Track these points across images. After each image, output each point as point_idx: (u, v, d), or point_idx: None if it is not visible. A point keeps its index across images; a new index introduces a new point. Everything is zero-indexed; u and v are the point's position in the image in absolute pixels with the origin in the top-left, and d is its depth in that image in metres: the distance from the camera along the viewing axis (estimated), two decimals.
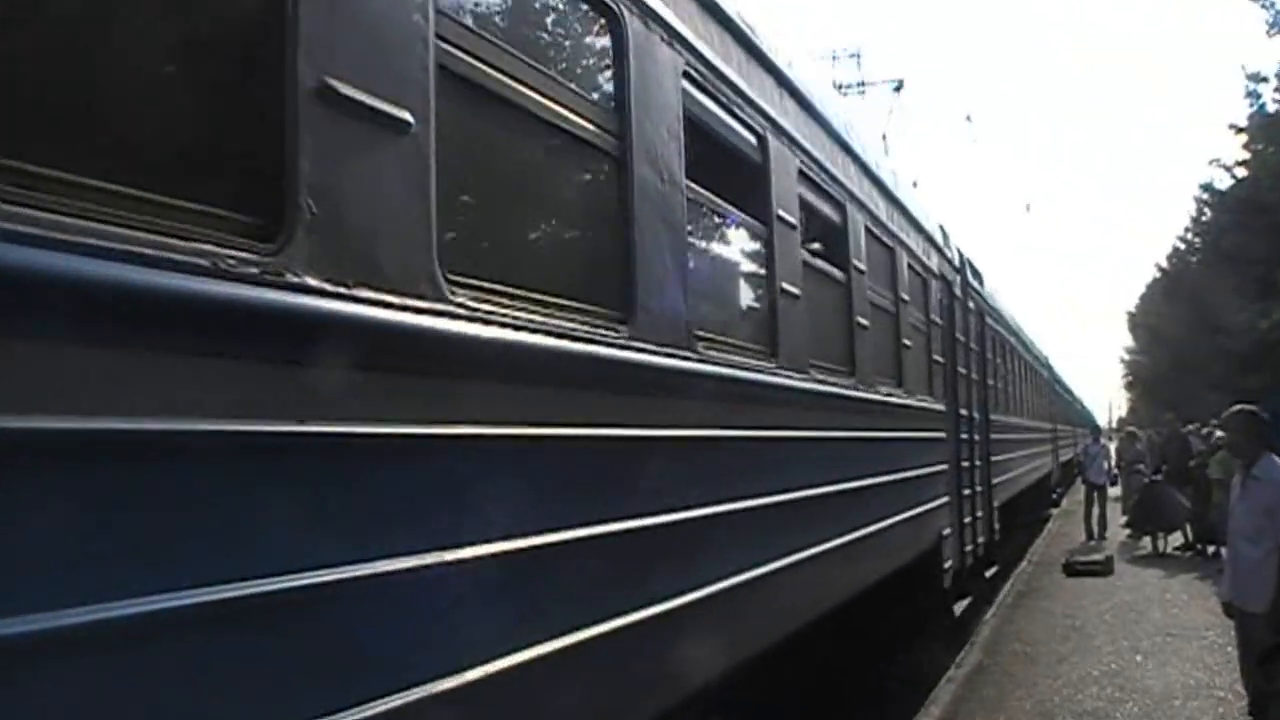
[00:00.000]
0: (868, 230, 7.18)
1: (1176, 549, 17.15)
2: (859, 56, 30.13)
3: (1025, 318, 23.94)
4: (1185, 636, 10.09)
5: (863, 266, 6.88)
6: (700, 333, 4.14)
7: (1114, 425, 63.74)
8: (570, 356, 3.13)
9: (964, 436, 11.03)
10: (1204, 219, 53.61)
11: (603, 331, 3.38)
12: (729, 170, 4.81)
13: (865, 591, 6.42)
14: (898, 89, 29.49)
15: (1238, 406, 6.57)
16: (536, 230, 3.70)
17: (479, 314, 2.70)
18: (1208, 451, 16.41)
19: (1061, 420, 34.22)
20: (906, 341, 8.36)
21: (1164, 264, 58.32)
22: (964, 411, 11.20)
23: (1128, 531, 19.41)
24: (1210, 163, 71.03)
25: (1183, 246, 56.49)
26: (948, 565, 9.55)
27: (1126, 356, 74.14)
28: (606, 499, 3.34)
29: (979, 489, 11.77)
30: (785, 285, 5.21)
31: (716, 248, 5.02)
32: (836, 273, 6.43)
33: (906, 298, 8.49)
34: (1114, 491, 22.12)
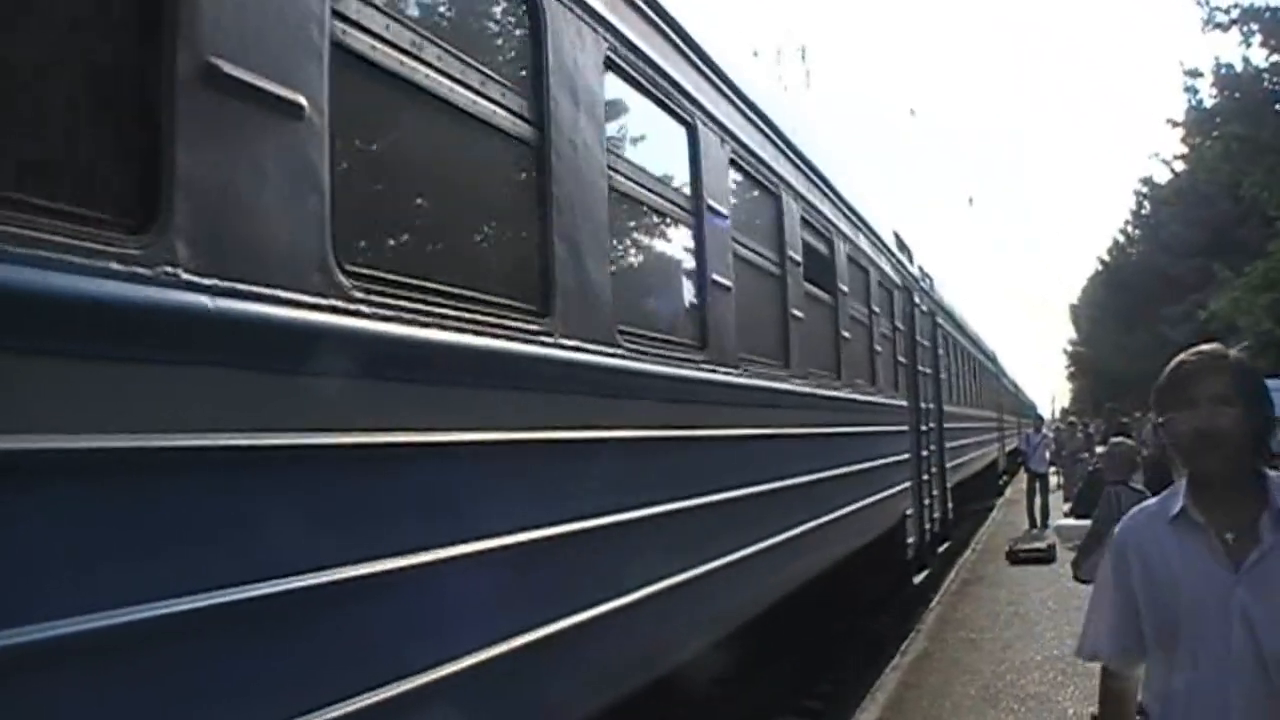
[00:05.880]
0: (851, 259, 8.61)
1: None
2: (803, 51, 30.61)
3: (971, 312, 24.41)
4: None
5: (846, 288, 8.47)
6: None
7: (1056, 415, 64.70)
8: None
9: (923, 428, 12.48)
10: (1143, 212, 54.60)
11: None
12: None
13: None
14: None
15: None
16: None
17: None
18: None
19: (1009, 411, 34.93)
20: (877, 347, 9.77)
21: (1105, 257, 59.26)
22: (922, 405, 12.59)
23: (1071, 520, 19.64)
24: (1150, 157, 72.57)
25: (1123, 239, 57.48)
26: (910, 541, 10.78)
27: (1069, 348, 75.23)
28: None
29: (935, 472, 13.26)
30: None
31: None
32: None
33: (877, 309, 10.03)
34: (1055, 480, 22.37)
